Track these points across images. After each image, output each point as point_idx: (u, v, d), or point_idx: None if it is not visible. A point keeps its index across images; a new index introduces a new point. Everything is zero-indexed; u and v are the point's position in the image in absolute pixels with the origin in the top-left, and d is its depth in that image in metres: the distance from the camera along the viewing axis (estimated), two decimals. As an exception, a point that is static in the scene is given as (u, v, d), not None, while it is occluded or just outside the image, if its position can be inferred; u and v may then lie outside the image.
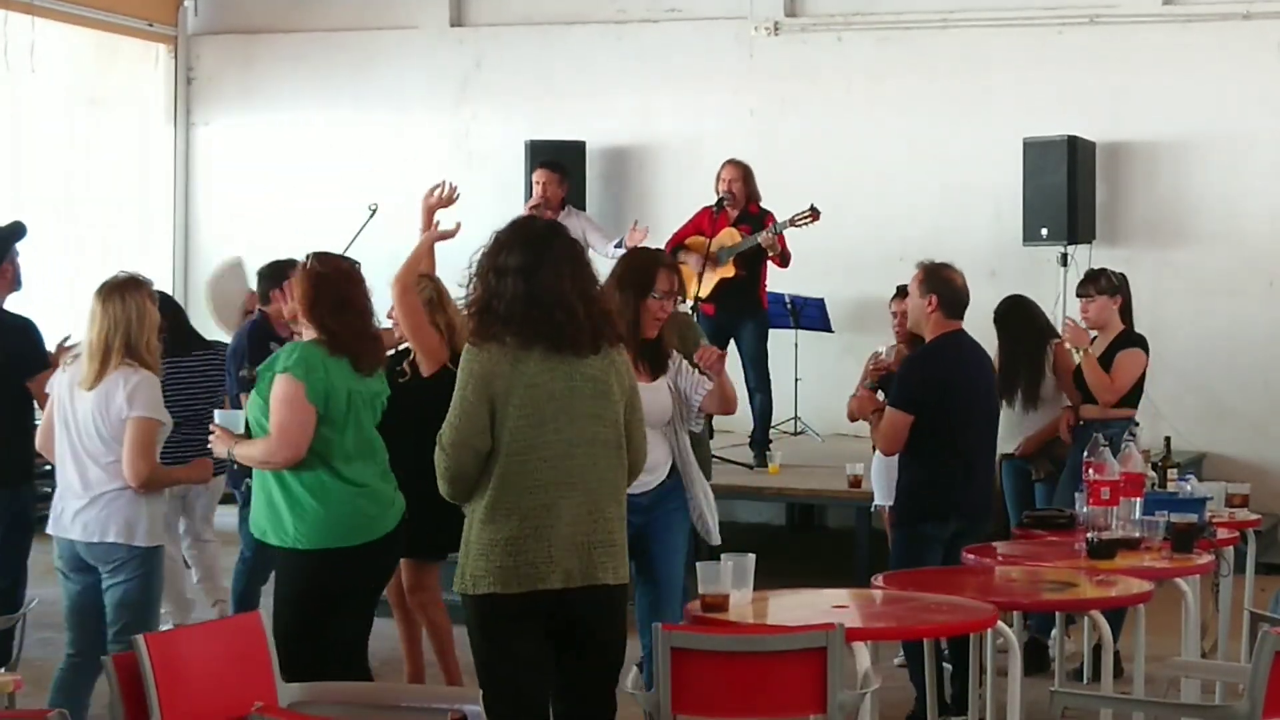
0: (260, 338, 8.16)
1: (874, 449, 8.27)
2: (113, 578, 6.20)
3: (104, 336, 6.15)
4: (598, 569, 4.99)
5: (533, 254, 4.98)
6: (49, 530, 6.43)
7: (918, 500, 7.15)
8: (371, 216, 11.70)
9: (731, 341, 10.50)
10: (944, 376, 7.11)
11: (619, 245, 10.48)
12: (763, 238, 10.20)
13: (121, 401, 6.11)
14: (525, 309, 4.94)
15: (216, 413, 6.09)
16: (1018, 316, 8.71)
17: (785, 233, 10.31)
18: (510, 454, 4.92)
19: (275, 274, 7.83)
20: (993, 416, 7.41)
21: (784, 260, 10.39)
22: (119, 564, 6.17)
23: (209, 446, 6.04)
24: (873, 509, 8.74)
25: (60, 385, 6.32)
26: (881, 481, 8.23)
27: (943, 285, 7.15)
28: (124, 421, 6.12)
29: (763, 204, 10.56)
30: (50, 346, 7.43)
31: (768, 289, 10.80)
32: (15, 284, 7.58)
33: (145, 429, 6.16)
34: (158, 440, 6.29)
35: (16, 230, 7.61)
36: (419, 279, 6.98)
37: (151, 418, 6.18)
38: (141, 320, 6.18)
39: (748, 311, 10.53)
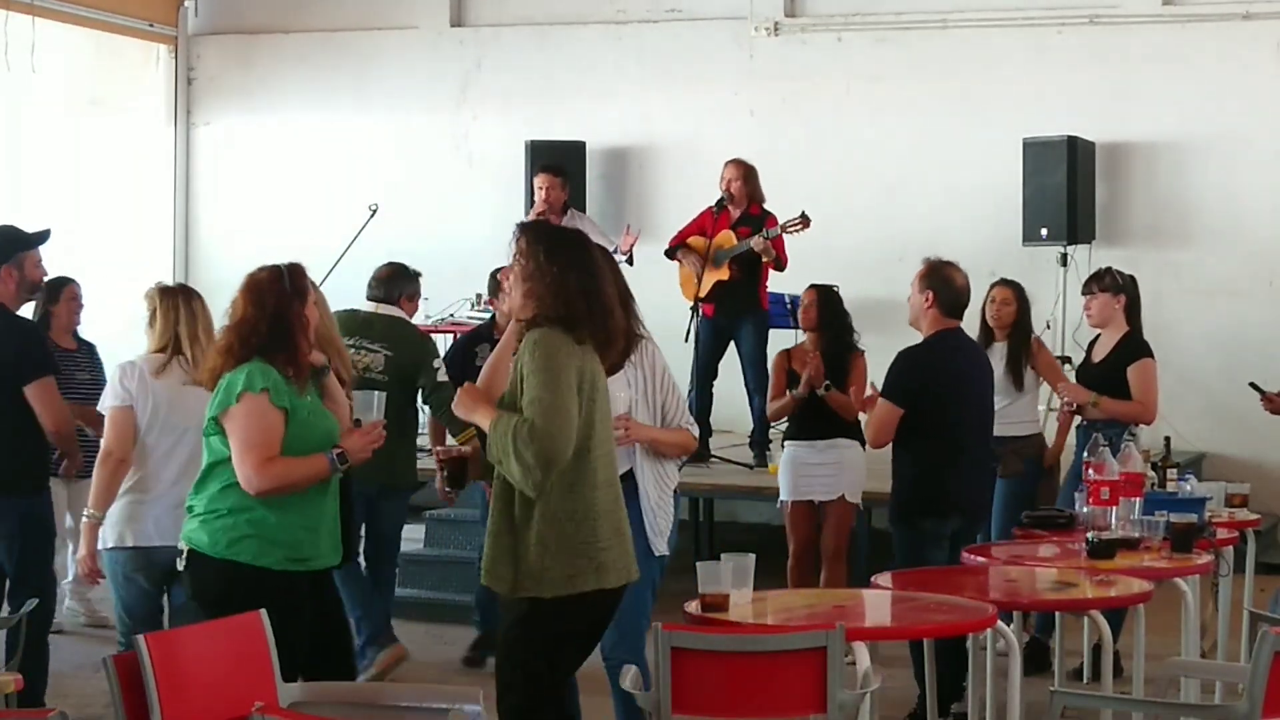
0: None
1: (783, 443, 8.66)
2: None
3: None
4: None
5: (588, 258, 5.07)
6: None
7: (916, 496, 7.15)
8: (372, 216, 11.69)
9: (732, 343, 10.51)
10: (936, 373, 7.13)
11: (615, 251, 10.45)
12: (756, 244, 10.17)
13: None
14: (588, 308, 4.99)
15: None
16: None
17: (784, 237, 10.28)
18: (584, 450, 4.95)
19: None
20: (987, 415, 7.41)
21: (779, 265, 10.37)
22: None
23: None
24: (779, 504, 8.76)
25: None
26: (786, 477, 8.56)
27: (942, 284, 7.19)
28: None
29: (765, 205, 10.53)
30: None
31: (768, 289, 10.79)
32: (25, 290, 7.45)
33: None
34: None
35: (38, 236, 7.46)
36: None
37: None
38: None
39: (747, 312, 10.49)
